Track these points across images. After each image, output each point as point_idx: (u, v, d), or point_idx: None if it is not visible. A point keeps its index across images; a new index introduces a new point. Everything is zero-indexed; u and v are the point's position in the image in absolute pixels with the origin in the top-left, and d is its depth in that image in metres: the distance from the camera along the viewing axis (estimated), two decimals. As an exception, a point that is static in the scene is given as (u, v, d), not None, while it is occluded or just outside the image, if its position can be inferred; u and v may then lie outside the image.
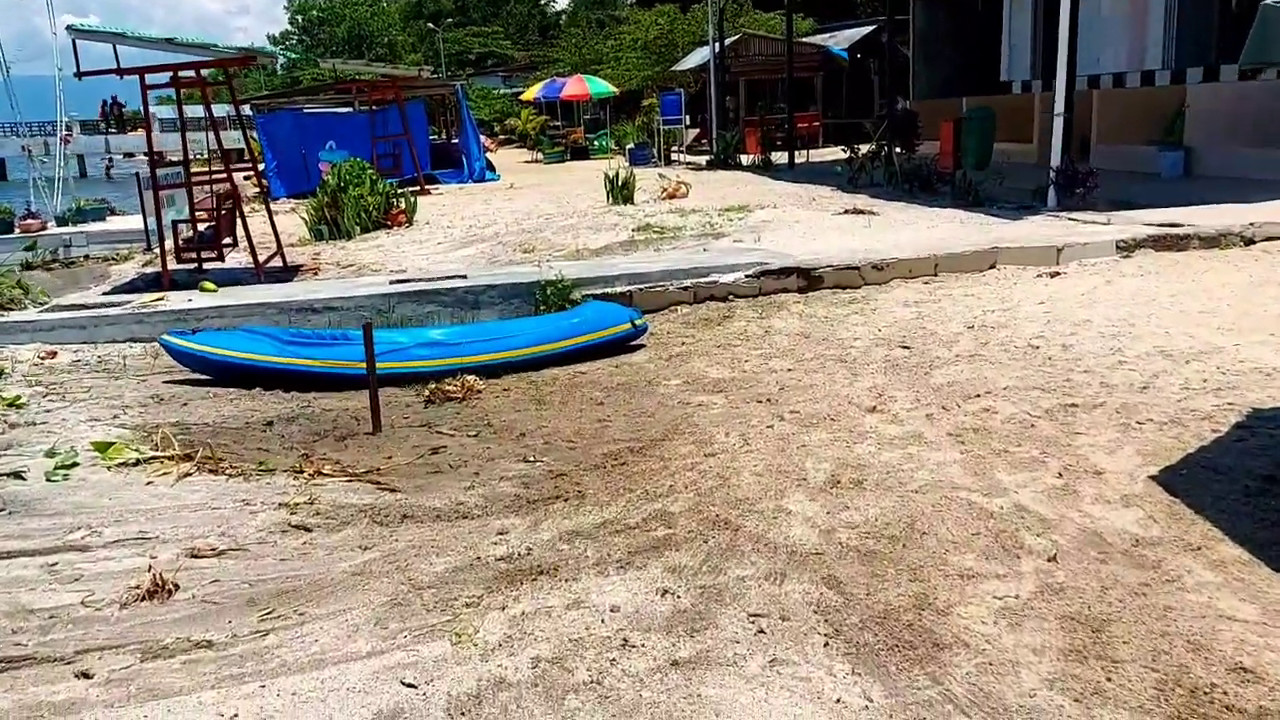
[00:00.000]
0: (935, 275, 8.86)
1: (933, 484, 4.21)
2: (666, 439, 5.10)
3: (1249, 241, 9.14)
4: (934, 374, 5.89)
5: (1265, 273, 7.92)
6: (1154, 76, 19.25)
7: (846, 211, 12.36)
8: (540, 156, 31.99)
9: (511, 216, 14.62)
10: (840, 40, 31.70)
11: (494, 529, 4.09)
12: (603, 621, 3.26)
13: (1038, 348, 6.26)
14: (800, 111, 28.04)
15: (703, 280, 8.65)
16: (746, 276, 8.69)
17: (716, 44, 24.52)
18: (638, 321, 7.30)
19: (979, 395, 5.39)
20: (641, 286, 8.54)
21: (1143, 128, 16.47)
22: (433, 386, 6.32)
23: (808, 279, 8.72)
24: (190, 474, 4.85)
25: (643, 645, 3.09)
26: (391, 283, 8.81)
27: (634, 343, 7.34)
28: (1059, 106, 11.64)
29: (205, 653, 3.19)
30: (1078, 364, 5.83)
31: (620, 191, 14.77)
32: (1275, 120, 14.11)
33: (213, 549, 3.97)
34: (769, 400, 5.64)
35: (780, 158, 21.85)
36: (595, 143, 31.58)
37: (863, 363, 6.28)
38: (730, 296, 8.56)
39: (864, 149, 16.38)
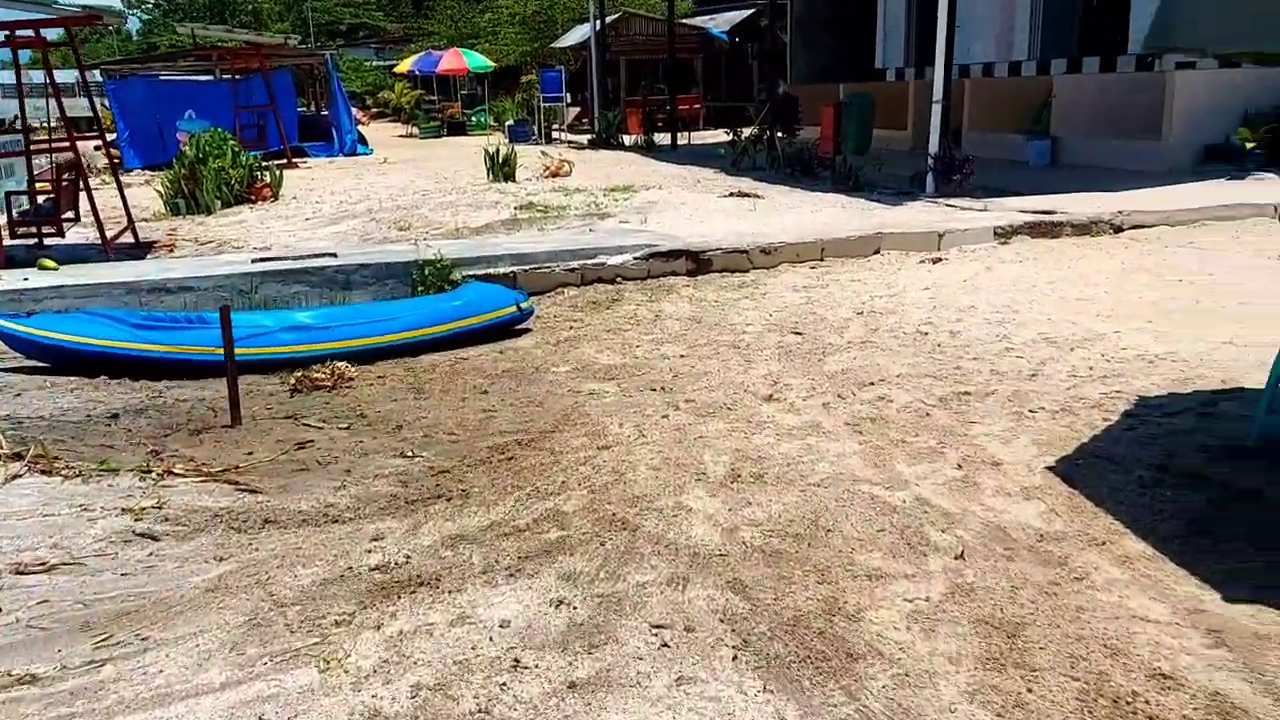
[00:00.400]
0: (822, 260, 8.80)
1: (834, 477, 4.06)
2: (557, 430, 4.82)
3: (1118, 229, 9.40)
4: (827, 361, 5.78)
5: (1135, 260, 8.13)
6: (1020, 67, 19.84)
7: (732, 194, 12.26)
8: (415, 131, 31.07)
9: (386, 192, 14.02)
10: (720, 23, 31.75)
11: (368, 534, 3.74)
12: (491, 639, 2.97)
13: (926, 334, 6.23)
14: (681, 93, 27.96)
15: (590, 262, 8.37)
16: (635, 259, 8.45)
17: (598, 21, 24.16)
18: (523, 304, 6.97)
19: (873, 383, 5.29)
20: (526, 267, 8.21)
21: (1012, 117, 16.92)
22: (299, 374, 5.86)
23: (697, 262, 8.55)
24: (19, 475, 4.32)
25: (536, 666, 2.82)
26: (254, 261, 8.22)
27: (519, 326, 7.02)
28: (937, 94, 11.77)
29: (28, 689, 2.76)
30: (967, 351, 5.80)
31: (501, 169, 14.33)
32: (1132, 112, 14.67)
33: (42, 563, 3.50)
34: (663, 388, 5.42)
35: (663, 139, 21.70)
36: (473, 118, 30.84)
37: (756, 349, 6.13)
38: (618, 279, 8.32)
39: (746, 132, 16.36)
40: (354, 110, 27.19)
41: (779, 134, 15.61)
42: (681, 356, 6.07)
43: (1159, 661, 2.69)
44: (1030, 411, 4.70)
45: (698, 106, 28.81)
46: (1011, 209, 10.23)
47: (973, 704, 2.57)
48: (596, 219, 10.90)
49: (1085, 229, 9.35)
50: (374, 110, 47.78)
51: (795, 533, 3.57)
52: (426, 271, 7.80)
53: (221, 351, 5.22)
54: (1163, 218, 9.58)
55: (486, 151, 14.74)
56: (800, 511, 3.74)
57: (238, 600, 3.26)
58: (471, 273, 8.02)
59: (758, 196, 12.09)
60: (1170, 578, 3.13)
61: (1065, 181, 12.64)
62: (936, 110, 11.79)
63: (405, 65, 32.33)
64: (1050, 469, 4.02)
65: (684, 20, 31.30)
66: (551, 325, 7.08)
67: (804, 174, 14.20)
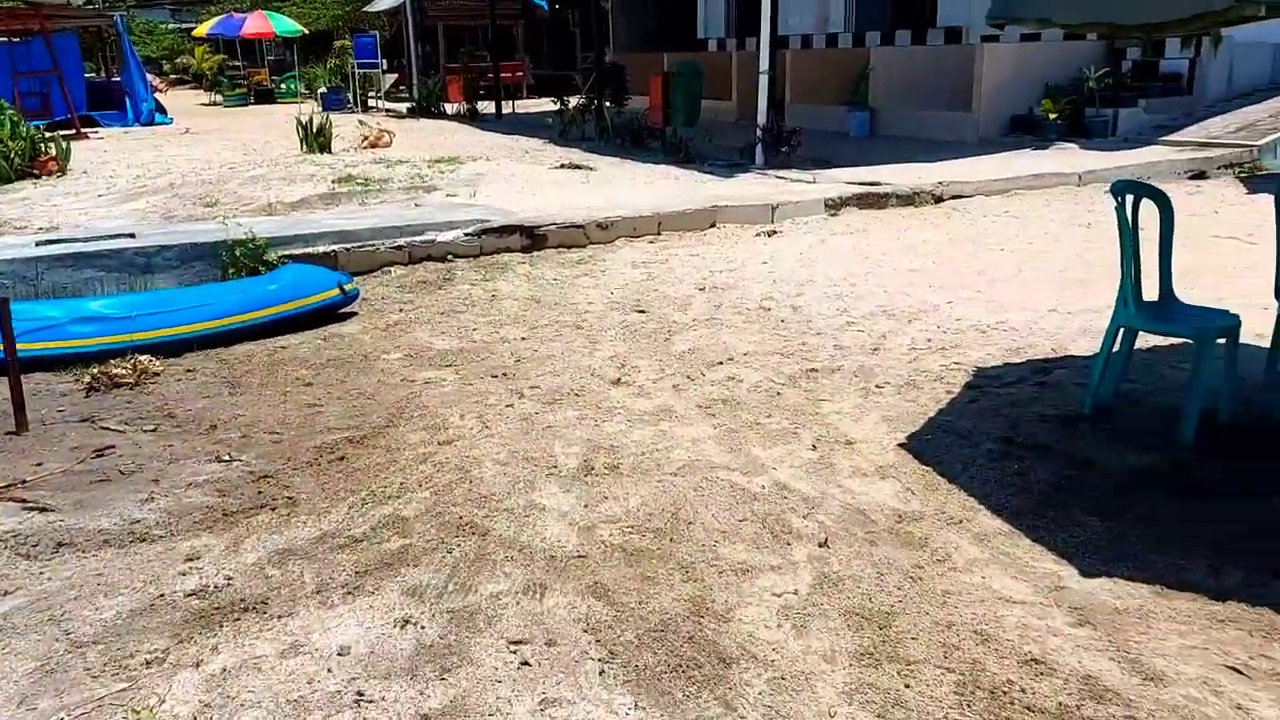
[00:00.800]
0: (659, 234, 8.68)
1: (690, 464, 3.92)
2: (392, 425, 4.49)
3: (938, 199, 9.71)
4: (674, 340, 5.64)
5: (958, 229, 8.39)
6: (837, 39, 20.36)
7: (563, 166, 11.98)
8: (220, 99, 29.14)
9: (189, 165, 13.01)
10: (543, -12, 31.14)
11: (182, 554, 3.34)
12: (329, 670, 2.66)
13: (769, 310, 6.19)
14: (504, 60, 27.34)
15: (418, 239, 7.95)
16: (466, 235, 8.09)
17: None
18: (347, 287, 6.52)
19: (721, 362, 5.19)
20: (349, 246, 7.71)
21: (832, 89, 17.31)
22: (96, 371, 5.26)
23: (532, 238, 8.26)
24: None
25: (382, 699, 2.54)
26: (39, 244, 7.38)
27: (344, 310, 6.56)
28: (763, 65, 11.83)
29: None
30: (810, 326, 5.79)
31: (316, 139, 13.54)
32: (944, 84, 15.24)
33: None
34: (505, 374, 5.15)
35: (486, 107, 21.12)
36: (282, 85, 29.21)
37: (600, 329, 5.93)
38: (450, 256, 7.94)
39: (574, 101, 16.07)
40: (150, 77, 25.24)
41: (607, 104, 15.40)
42: (523, 339, 5.81)
43: (1029, 645, 2.67)
44: (877, 387, 4.70)
45: (521, 74, 28.25)
46: (839, 180, 10.41)
47: (852, 705, 2.47)
48: (422, 192, 10.43)
49: (909, 199, 9.60)
50: (173, 77, 44.64)
51: (656, 527, 3.40)
52: (238, 252, 7.21)
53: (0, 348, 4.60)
54: (979, 188, 9.96)
55: (299, 121, 13.89)
56: (659, 504, 3.58)
57: (26, 642, 2.82)
58: (288, 252, 7.47)
59: (590, 168, 11.86)
60: (1028, 554, 3.14)
61: (885, 152, 13.01)
62: (763, 81, 11.86)
63: (204, 28, 30.19)
64: (902, 446, 4.00)
65: (505, -14, 30.53)
66: (379, 308, 6.66)
67: (634, 145, 14.07)
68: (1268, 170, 10.77)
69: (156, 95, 23.56)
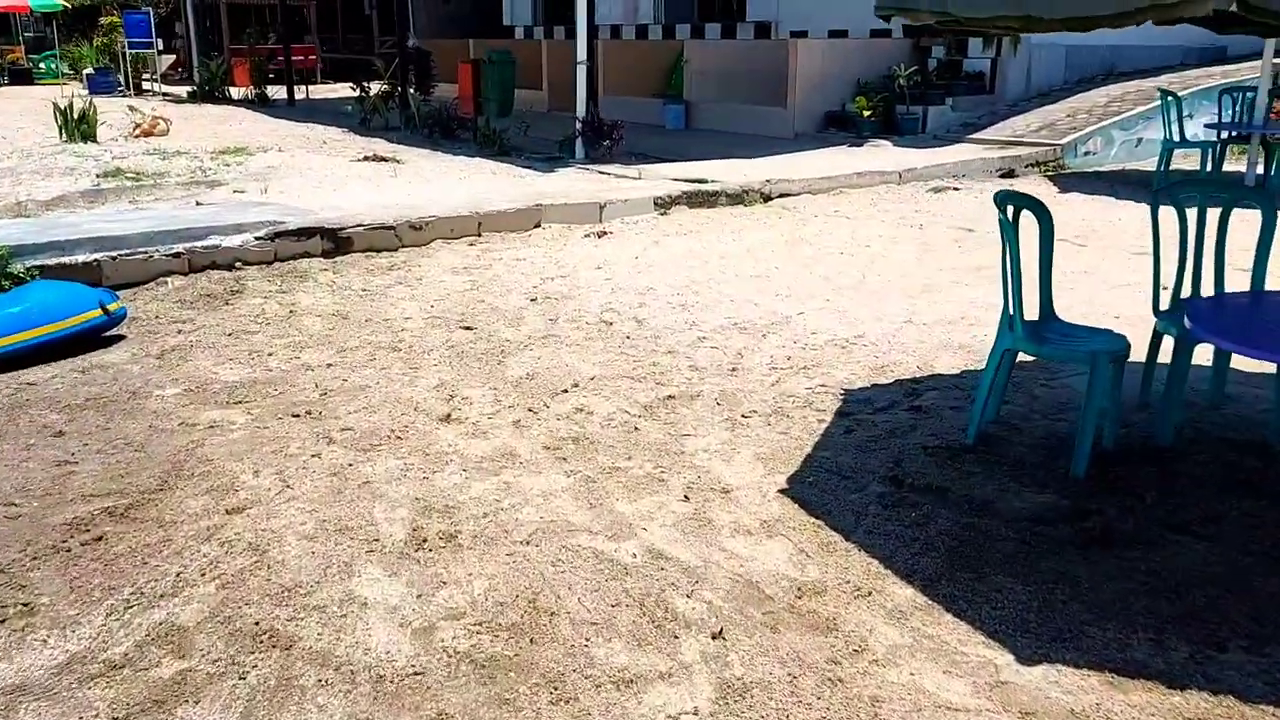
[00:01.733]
0: (480, 235, 7.96)
1: (545, 527, 3.29)
2: (166, 488, 3.63)
3: (767, 197, 9.42)
4: (508, 362, 4.98)
5: (793, 230, 8.09)
6: (647, 30, 20.07)
7: (367, 158, 11.01)
8: (-35, 78, 25.90)
9: (-81, 155, 11.17)
10: (335, -33, 29.40)
11: None
12: None
13: (611, 323, 5.62)
14: (295, 43, 25.60)
15: (200, 244, 6.90)
16: (257, 239, 7.10)
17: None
18: (112, 306, 5.47)
19: (566, 390, 4.57)
20: (114, 254, 6.60)
21: (644, 80, 16.95)
22: None
23: (335, 241, 7.36)
24: None
25: None
26: None
27: (109, 333, 5.52)
28: (580, 55, 11.26)
29: None
30: (658, 342, 5.26)
31: (78, 126, 11.93)
32: (759, 78, 15.15)
33: None
34: (309, 412, 4.35)
35: (277, 93, 19.55)
36: (42, 65, 26.25)
37: (421, 350, 5.18)
38: (238, 264, 6.95)
39: (375, 88, 14.97)
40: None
41: (413, 91, 14.43)
42: (329, 365, 4.99)
43: (985, 767, 2.21)
44: (743, 417, 4.21)
45: (313, 58, 26.50)
46: (666, 177, 9.97)
47: None
48: (205, 188, 9.26)
49: (739, 198, 9.26)
50: (-92, 51, 39.65)
51: (511, 623, 2.76)
52: (-28, 264, 6.00)
53: None
54: (805, 186, 9.75)
55: (57, 106, 12.21)
56: (512, 588, 2.93)
57: None
58: (39, 262, 6.31)
59: (397, 161, 10.95)
60: (954, 635, 2.69)
61: (704, 146, 12.71)
62: (581, 72, 11.28)
63: (-56, -3, 26.71)
64: (784, 492, 3.52)
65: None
66: (153, 329, 5.65)
67: (444, 136, 13.20)
68: (1070, 169, 11.12)
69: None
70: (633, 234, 8.06)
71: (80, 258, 6.49)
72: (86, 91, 22.39)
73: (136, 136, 12.66)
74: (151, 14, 22.28)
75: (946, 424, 4.09)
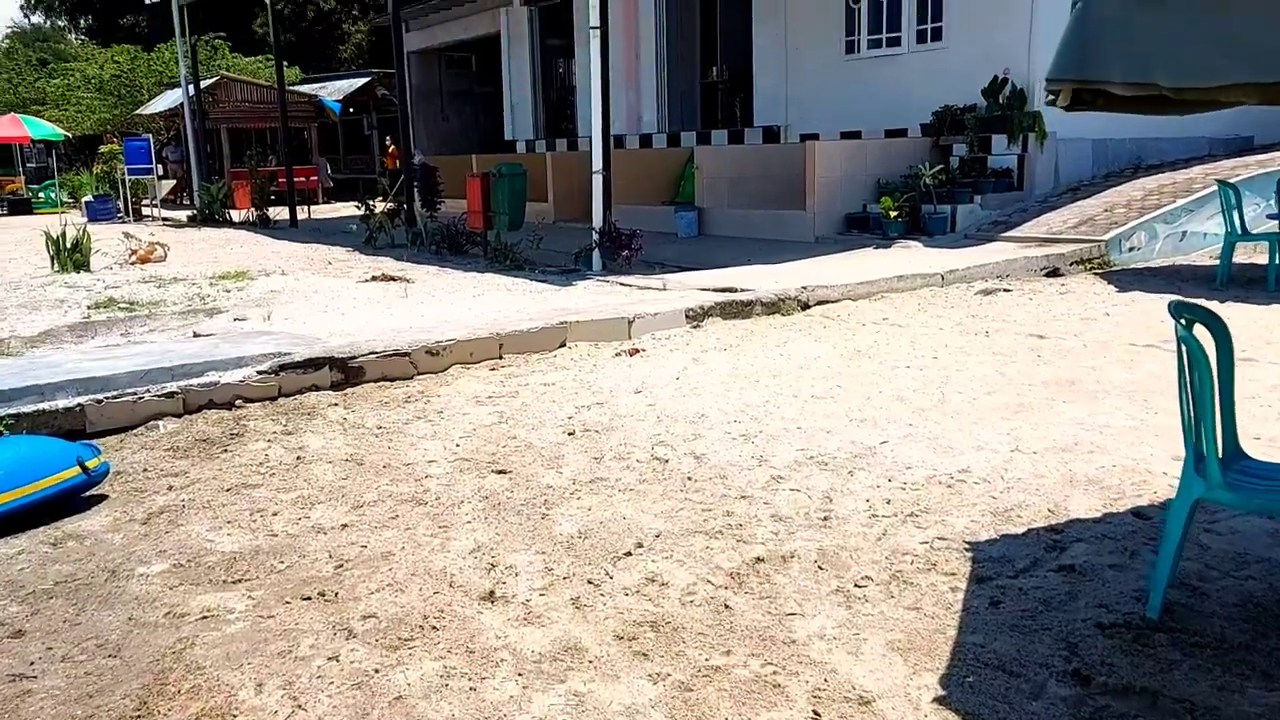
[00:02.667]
0: (501, 359, 7.28)
1: (640, 766, 2.49)
2: (145, 712, 2.84)
3: (805, 306, 8.80)
4: (554, 516, 4.22)
5: (844, 342, 7.42)
6: (651, 139, 19.89)
7: (375, 278, 10.43)
8: (-37, 210, 25.73)
9: (-99, 291, 10.59)
10: (332, 92, 29.69)
11: None
12: None
13: (666, 460, 4.88)
14: (297, 164, 25.57)
15: (197, 382, 6.21)
16: (260, 373, 6.42)
17: (190, 85, 21.23)
18: (92, 463, 4.72)
19: (629, 552, 3.81)
20: (101, 396, 5.90)
21: (653, 188, 16.62)
22: None
23: (345, 371, 6.67)
24: None
25: None
26: None
27: (89, 492, 4.78)
28: (596, 164, 10.80)
29: None
30: (726, 483, 4.52)
31: (71, 255, 11.41)
32: (772, 182, 14.78)
33: None
34: (323, 593, 3.58)
35: (280, 214, 19.22)
36: (41, 194, 26.11)
37: (450, 503, 4.43)
38: (239, 402, 6.24)
39: (380, 206, 14.56)
40: None
41: (419, 207, 13.99)
42: (344, 527, 4.24)
43: None
44: (856, 586, 3.44)
45: (315, 179, 26.42)
46: (691, 286, 9.37)
47: None
48: (204, 317, 8.64)
49: (775, 307, 8.63)
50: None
51: None
52: (-64, 415, 5.30)
53: None
54: (844, 291, 9.13)
55: (49, 234, 11.70)
56: None
57: None
58: (15, 410, 5.62)
59: (406, 280, 10.37)
60: None
61: (722, 253, 12.20)
62: (598, 181, 10.81)
63: (-55, 133, 26.75)
64: (941, 702, 2.72)
65: (294, 88, 28.84)
66: (139, 485, 4.90)
67: (453, 252, 12.70)
68: (1116, 265, 10.55)
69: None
70: (667, 351, 7.39)
71: (61, 402, 5.80)
72: (85, 219, 22.16)
73: (133, 264, 12.13)
74: (151, 140, 22.16)
75: (1112, 589, 3.31)
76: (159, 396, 6.05)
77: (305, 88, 30.70)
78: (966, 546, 3.70)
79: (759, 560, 3.67)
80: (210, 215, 19.29)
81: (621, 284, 9.92)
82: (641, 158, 18.12)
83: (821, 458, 4.77)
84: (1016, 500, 4.12)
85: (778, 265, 10.84)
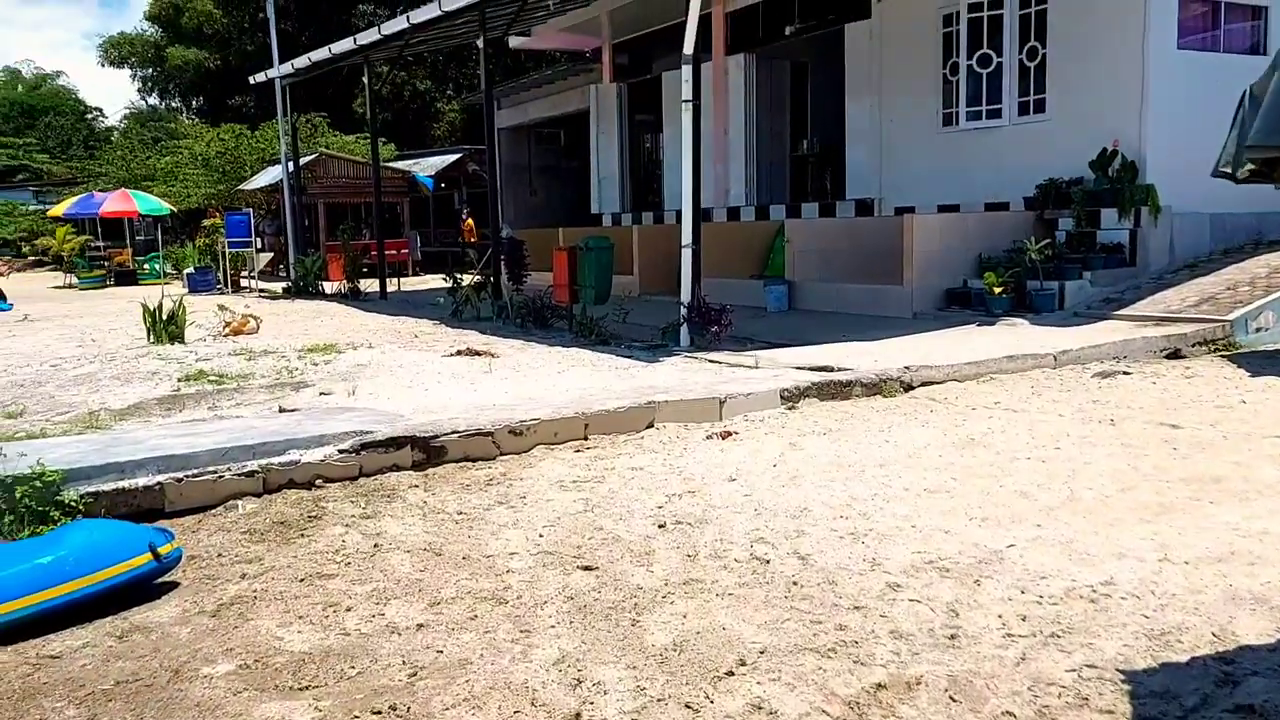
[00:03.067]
0: (586, 439, 6.98)
1: None
2: None
3: (908, 387, 8.33)
4: (645, 623, 3.85)
5: (954, 428, 6.94)
6: (739, 212, 19.72)
7: (459, 352, 10.30)
8: (75, 281, 26.79)
9: (3, 362, 10.82)
10: (424, 168, 30.40)
11: None
12: None
13: (767, 561, 4.47)
14: (389, 238, 26.11)
15: (277, 460, 6.04)
16: (341, 451, 6.23)
17: (290, 162, 21.87)
18: (164, 549, 4.51)
19: (731, 671, 3.41)
20: (180, 475, 5.76)
21: (741, 262, 16.38)
22: None
23: (427, 451, 6.45)
24: None
25: None
26: None
27: (160, 579, 4.57)
28: (686, 237, 10.58)
29: None
30: (835, 590, 4.09)
31: (166, 327, 11.57)
32: (865, 256, 14.40)
33: None
34: (394, 708, 3.25)
35: (371, 286, 19.48)
36: (147, 266, 27.08)
37: (533, 603, 4.10)
38: (318, 482, 6.05)
39: (467, 279, 14.57)
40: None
41: (506, 280, 13.95)
42: (419, 627, 3.93)
43: None
44: (999, 723, 2.98)
45: (407, 251, 26.89)
46: (785, 365, 8.99)
47: None
48: (290, 391, 8.56)
49: (876, 388, 8.19)
50: (31, 259, 42.00)
51: None
52: (18, 494, 5.20)
53: None
54: (950, 373, 8.64)
55: (145, 306, 11.91)
56: None
57: None
58: (95, 488, 5.50)
59: (491, 354, 10.20)
60: None
61: (815, 329, 11.82)
62: (687, 255, 10.57)
63: (61, 208, 28.01)
64: None
65: (388, 164, 29.63)
66: (212, 573, 4.68)
67: (538, 325, 12.56)
68: (1243, 347, 9.85)
69: (-4, 277, 21.20)
70: (762, 434, 7.00)
71: (141, 481, 5.66)
72: (187, 289, 22.83)
73: (226, 335, 12.27)
74: (252, 214, 22.82)
75: (1309, 739, 2.80)
76: (239, 475, 5.89)
77: (400, 164, 31.54)
78: (1122, 677, 3.21)
79: (880, 687, 3.23)
80: (304, 287, 19.66)
81: (711, 361, 9.59)
82: (729, 230, 17.93)
83: (942, 562, 4.31)
84: (1174, 621, 3.60)
85: (875, 342, 10.40)
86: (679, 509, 5.33)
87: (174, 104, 58.97)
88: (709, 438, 6.96)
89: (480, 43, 13.50)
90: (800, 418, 7.44)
